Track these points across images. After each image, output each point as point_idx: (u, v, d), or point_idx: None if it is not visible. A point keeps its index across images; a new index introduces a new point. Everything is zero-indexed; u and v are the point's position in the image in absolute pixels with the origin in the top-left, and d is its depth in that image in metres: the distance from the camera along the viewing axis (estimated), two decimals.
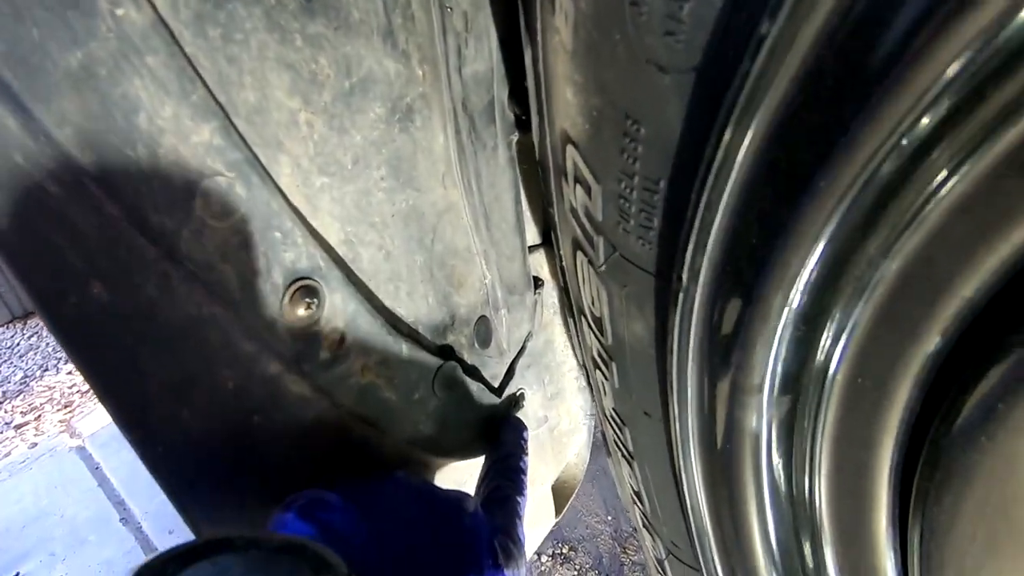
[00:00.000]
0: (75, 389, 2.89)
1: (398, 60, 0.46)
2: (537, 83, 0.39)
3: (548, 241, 0.76)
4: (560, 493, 0.90)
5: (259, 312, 0.41)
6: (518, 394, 0.70)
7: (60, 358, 3.25)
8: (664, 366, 0.41)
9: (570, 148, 0.38)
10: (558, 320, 0.82)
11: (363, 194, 0.48)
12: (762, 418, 0.39)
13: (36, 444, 2.47)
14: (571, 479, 0.92)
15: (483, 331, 0.64)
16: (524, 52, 0.41)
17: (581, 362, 0.64)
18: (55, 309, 0.33)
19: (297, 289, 0.43)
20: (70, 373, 3.06)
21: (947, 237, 0.24)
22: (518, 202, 0.64)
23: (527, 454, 0.62)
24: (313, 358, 0.46)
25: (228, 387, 0.42)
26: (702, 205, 0.28)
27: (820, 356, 0.34)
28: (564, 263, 0.52)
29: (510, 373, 0.68)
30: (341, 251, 0.47)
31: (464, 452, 0.64)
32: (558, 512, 0.90)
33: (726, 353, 0.35)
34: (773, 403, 0.38)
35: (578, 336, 0.59)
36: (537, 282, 0.70)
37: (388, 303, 0.52)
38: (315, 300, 0.44)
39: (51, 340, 3.45)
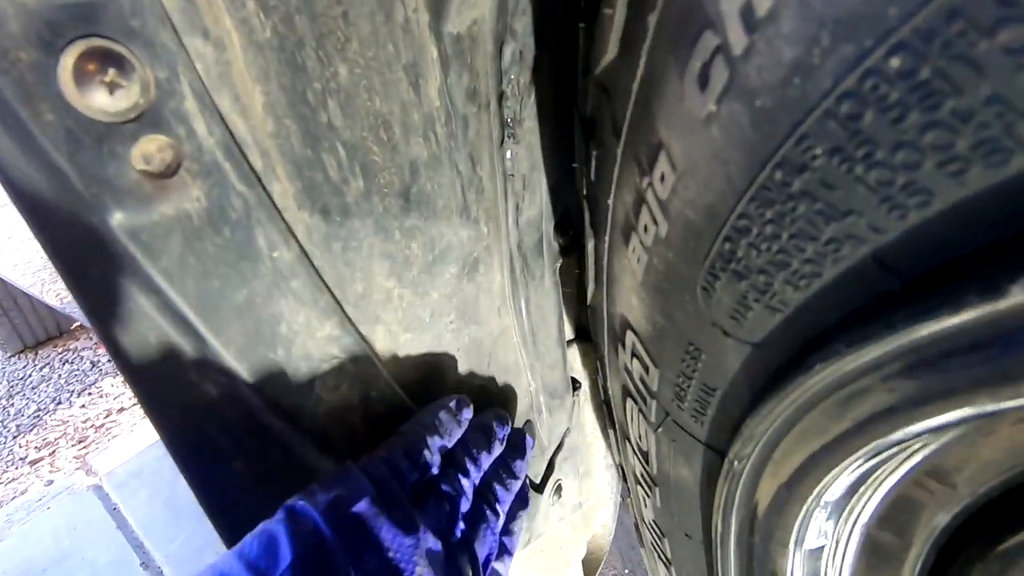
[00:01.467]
0: (89, 424, 2.93)
1: (470, 227, 0.53)
2: (598, 266, 0.46)
3: (580, 336, 0.82)
4: (588, 565, 0.96)
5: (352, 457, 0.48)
6: (558, 485, 0.76)
7: (72, 391, 3.28)
8: (708, 510, 0.47)
9: (630, 333, 0.44)
10: (588, 406, 0.88)
11: (436, 339, 0.55)
12: (793, 569, 0.45)
13: (52, 482, 2.50)
14: (598, 550, 0.98)
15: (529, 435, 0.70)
16: (586, 241, 0.48)
17: (618, 463, 0.70)
18: (204, 482, 0.39)
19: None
20: (83, 407, 3.10)
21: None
22: (560, 319, 0.70)
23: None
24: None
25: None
26: (757, 418, 0.35)
27: (850, 520, 0.40)
28: (611, 394, 0.58)
29: (550, 468, 0.75)
30: (415, 391, 0.53)
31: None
32: None
33: (762, 521, 0.42)
34: (804, 557, 0.44)
35: (619, 449, 0.65)
36: (575, 384, 0.77)
37: None
38: None
39: (63, 371, 3.49)
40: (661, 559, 0.64)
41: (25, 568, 2.00)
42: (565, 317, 0.78)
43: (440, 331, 0.55)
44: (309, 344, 0.41)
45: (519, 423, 0.68)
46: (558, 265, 0.68)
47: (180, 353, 0.35)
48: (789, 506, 0.39)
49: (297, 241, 0.38)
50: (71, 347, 3.76)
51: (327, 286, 0.41)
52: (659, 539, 0.62)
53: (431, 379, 0.55)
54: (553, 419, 0.74)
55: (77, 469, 2.55)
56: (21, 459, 2.74)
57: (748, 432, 0.36)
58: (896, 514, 0.40)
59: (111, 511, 2.19)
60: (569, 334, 0.85)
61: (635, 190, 0.35)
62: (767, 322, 0.30)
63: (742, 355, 0.32)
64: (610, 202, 0.39)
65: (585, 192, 0.44)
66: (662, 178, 0.32)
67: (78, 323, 4.00)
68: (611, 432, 0.66)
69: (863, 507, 0.40)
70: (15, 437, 2.93)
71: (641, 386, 0.47)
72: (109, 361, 3.52)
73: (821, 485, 0.36)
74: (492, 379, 0.64)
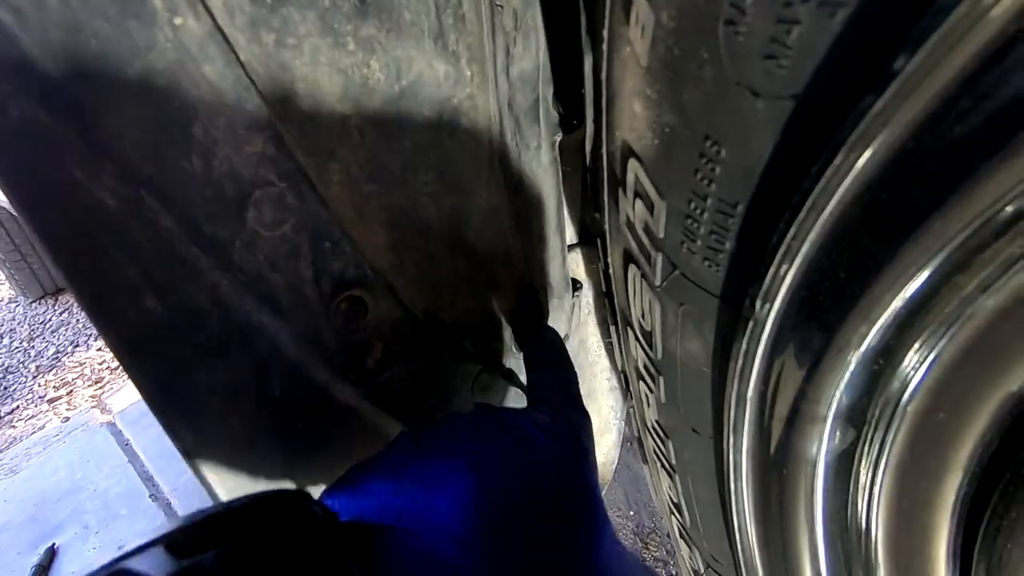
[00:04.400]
0: (105, 366, 2.96)
1: (448, 61, 0.45)
2: (597, 91, 0.38)
3: (585, 240, 0.74)
4: None
5: (307, 321, 0.41)
6: None
7: (90, 334, 3.32)
8: (721, 387, 0.40)
9: (632, 161, 0.36)
10: (592, 320, 0.80)
11: (410, 200, 0.47)
12: (822, 447, 0.38)
13: (68, 419, 2.54)
14: (601, 479, 0.92)
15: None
16: (583, 55, 0.39)
17: (620, 368, 0.62)
18: (112, 323, 0.33)
19: (344, 298, 0.42)
20: (100, 349, 3.14)
21: None
22: (560, 204, 0.62)
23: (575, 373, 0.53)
24: (359, 367, 0.45)
25: (275, 395, 0.41)
26: (789, 235, 0.27)
27: (893, 389, 0.32)
28: (612, 272, 0.50)
29: None
30: (387, 258, 0.46)
31: None
32: None
33: (794, 381, 0.34)
34: (836, 433, 0.37)
35: (621, 344, 0.57)
36: (576, 284, 0.69)
37: (431, 309, 0.51)
38: (362, 309, 0.44)
39: (81, 316, 3.54)
40: (664, 467, 0.57)
41: (41, 498, 2.04)
42: (567, 216, 0.70)
43: (415, 192, 0.47)
44: (235, 159, 0.34)
45: (504, 325, 0.61)
46: (558, 139, 0.59)
47: (56, 138, 0.28)
48: (826, 363, 0.32)
49: (210, 13, 0.30)
50: None
51: (256, 87, 0.33)
52: (662, 443, 0.54)
53: (402, 249, 0.48)
54: (551, 320, 0.66)
55: (92, 407, 2.58)
56: (40, 397, 2.79)
57: (781, 254, 0.28)
58: (957, 379, 0.32)
59: (123, 446, 2.21)
60: (571, 238, 0.77)
61: None
62: (818, 48, 0.21)
63: (777, 121, 0.23)
64: None
65: None
66: None
67: None
68: (613, 329, 0.58)
69: (916, 369, 0.32)
70: (35, 377, 2.98)
71: (644, 238, 0.39)
72: None
73: (872, 330, 0.28)
74: (480, 265, 0.56)
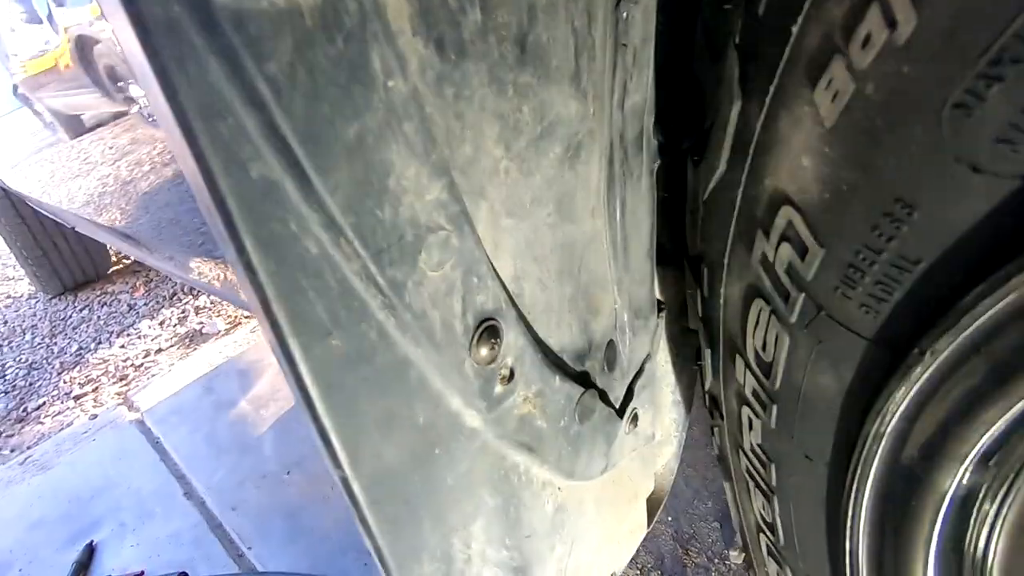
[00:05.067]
0: (129, 363, 2.99)
1: (578, 99, 0.47)
2: (742, 137, 0.39)
3: (661, 262, 0.76)
4: (649, 504, 0.92)
5: (452, 353, 0.43)
6: (634, 414, 0.71)
7: (112, 332, 3.35)
8: (852, 421, 0.42)
9: (787, 209, 0.38)
10: (660, 334, 0.82)
11: (533, 231, 0.49)
12: (955, 482, 0.39)
13: (96, 416, 2.57)
14: (660, 490, 0.94)
15: (611, 355, 0.65)
16: (724, 99, 0.41)
17: (708, 389, 0.64)
18: (301, 358, 0.35)
19: (484, 329, 0.44)
20: (123, 347, 3.16)
21: None
22: (652, 229, 0.64)
23: None
24: (489, 393, 0.47)
25: (419, 423, 0.43)
26: (976, 294, 0.28)
27: None
28: (722, 302, 0.52)
29: (629, 394, 0.69)
30: (512, 288, 0.48)
31: (586, 475, 0.65)
32: (649, 523, 0.91)
33: (946, 423, 0.35)
34: (973, 470, 0.38)
35: (718, 369, 0.59)
36: (660, 306, 0.71)
37: (542, 334, 0.53)
38: (497, 339, 0.45)
39: (102, 313, 3.57)
40: (761, 489, 0.58)
41: (74, 495, 2.06)
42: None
43: (538, 223, 0.49)
44: (416, 207, 0.35)
45: (604, 344, 0.63)
46: (656, 166, 0.61)
47: (282, 194, 0.29)
48: (990, 412, 0.33)
49: (411, 75, 0.32)
50: (108, 290, 3.83)
51: (435, 139, 0.35)
52: (762, 466, 0.56)
53: (524, 278, 0.49)
54: (636, 341, 0.68)
55: (119, 405, 2.61)
56: (66, 394, 2.81)
57: (964, 312, 0.29)
58: None
59: (154, 444, 2.24)
60: None
61: None
62: None
63: (994, 197, 0.25)
64: (794, 30, 0.31)
65: (739, 39, 0.37)
66: None
67: (115, 267, 4.06)
68: (708, 352, 0.60)
69: None
70: (59, 374, 3.01)
71: (786, 279, 0.41)
72: (146, 304, 3.59)
73: None
74: (581, 289, 0.58)
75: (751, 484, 0.60)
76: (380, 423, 0.41)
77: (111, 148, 1.26)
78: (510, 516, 0.55)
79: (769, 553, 0.64)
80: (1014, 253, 0.27)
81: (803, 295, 0.40)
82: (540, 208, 0.48)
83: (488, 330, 0.45)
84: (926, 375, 0.34)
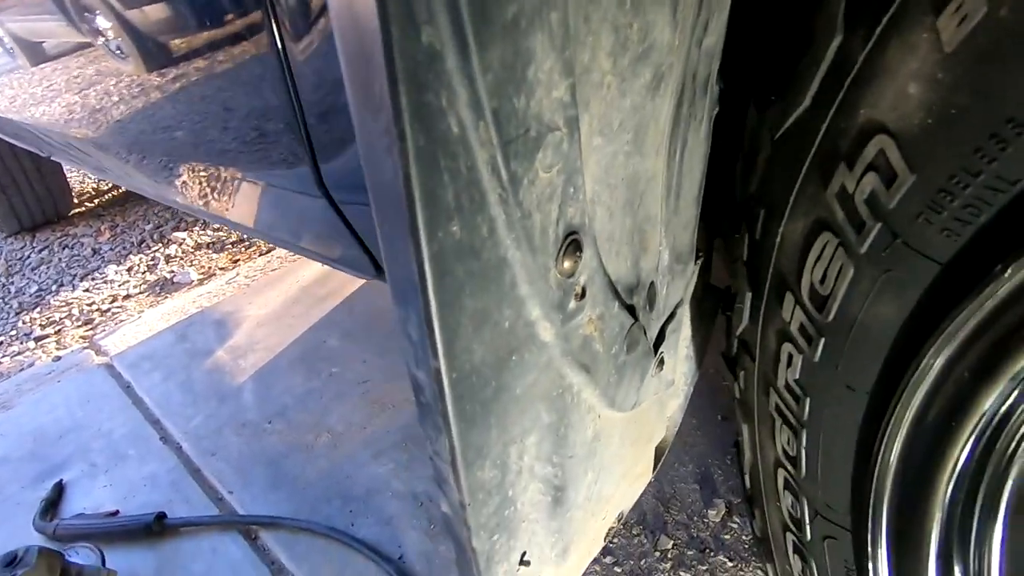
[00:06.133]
0: (94, 307, 2.87)
1: (672, 30, 0.48)
2: (844, 71, 0.42)
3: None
4: (657, 452, 0.96)
5: (543, 260, 0.44)
6: (660, 358, 0.74)
7: (74, 275, 3.21)
8: (906, 347, 0.45)
9: (880, 137, 0.40)
10: (693, 282, 0.85)
11: (612, 156, 0.50)
12: (1004, 401, 0.43)
13: (60, 358, 2.47)
14: (665, 440, 0.98)
15: (652, 295, 0.67)
16: (814, 33, 0.43)
17: (739, 334, 0.67)
18: (425, 240, 0.35)
19: (570, 242, 0.46)
20: (87, 291, 3.04)
21: None
22: (704, 175, 0.66)
23: None
24: (565, 307, 0.49)
25: (504, 327, 0.45)
26: None
27: None
28: (778, 240, 0.55)
29: (661, 336, 0.72)
30: (588, 209, 0.49)
31: (623, 407, 0.68)
32: (653, 470, 0.95)
33: (1005, 342, 0.39)
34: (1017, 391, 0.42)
35: (758, 312, 0.62)
36: (698, 254, 0.74)
37: (604, 261, 0.55)
38: (579, 254, 0.47)
39: (63, 255, 3.40)
40: (788, 423, 0.62)
41: (39, 433, 1.99)
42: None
43: (617, 149, 0.50)
44: (544, 103, 0.36)
45: (647, 283, 0.65)
46: (715, 113, 0.63)
47: (442, 65, 0.30)
48: None
49: None
50: (70, 232, 3.65)
51: (571, 36, 0.36)
52: (794, 400, 0.60)
53: (597, 203, 0.51)
54: (673, 285, 0.71)
55: (85, 348, 2.51)
56: (26, 335, 2.69)
57: None
58: None
59: (125, 389, 2.17)
60: None
61: None
62: None
63: None
64: None
65: None
66: None
67: (77, 209, 3.87)
68: (749, 296, 0.63)
69: None
70: (18, 313, 2.87)
71: (863, 209, 0.43)
72: (111, 249, 3.44)
73: None
74: (638, 224, 0.60)
75: (778, 422, 0.64)
76: (475, 320, 0.42)
77: (76, 77, 1.20)
78: (559, 434, 0.57)
79: (786, 487, 0.68)
80: None
81: (879, 224, 0.43)
82: (623, 134, 0.50)
83: (572, 244, 0.46)
84: (999, 293, 0.37)
